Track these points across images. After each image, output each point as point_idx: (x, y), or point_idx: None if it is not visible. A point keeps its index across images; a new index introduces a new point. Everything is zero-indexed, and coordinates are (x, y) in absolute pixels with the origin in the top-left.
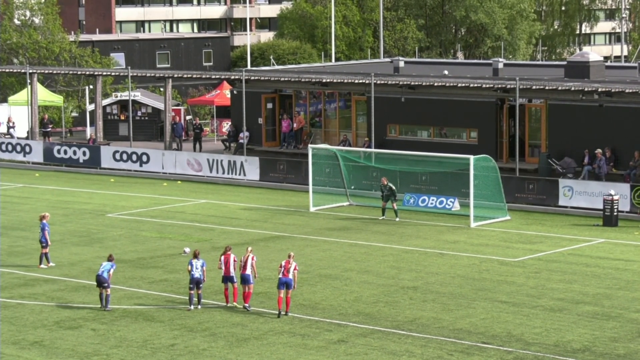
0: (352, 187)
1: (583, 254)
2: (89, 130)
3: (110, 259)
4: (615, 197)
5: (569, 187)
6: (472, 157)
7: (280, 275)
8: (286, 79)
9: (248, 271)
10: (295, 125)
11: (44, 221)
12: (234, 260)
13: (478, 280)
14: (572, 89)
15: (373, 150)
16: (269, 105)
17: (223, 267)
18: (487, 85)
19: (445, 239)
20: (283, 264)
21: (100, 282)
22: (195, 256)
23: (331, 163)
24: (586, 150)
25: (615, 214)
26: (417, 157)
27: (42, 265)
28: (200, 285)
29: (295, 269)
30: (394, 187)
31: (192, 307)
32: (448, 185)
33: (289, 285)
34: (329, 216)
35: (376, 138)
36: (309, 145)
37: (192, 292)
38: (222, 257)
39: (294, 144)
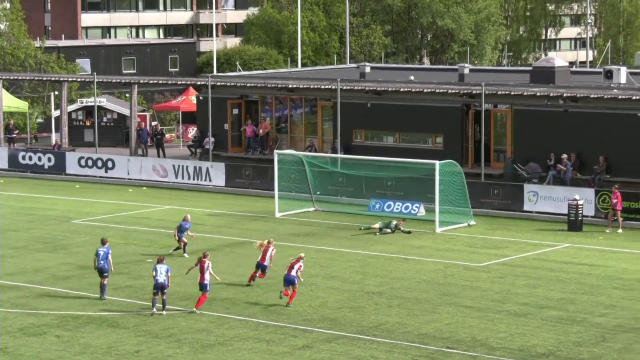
0: (318, 193)
1: (548, 259)
2: (54, 137)
3: (103, 242)
4: (580, 202)
5: (534, 192)
6: (437, 163)
7: (286, 273)
8: (252, 84)
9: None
10: (260, 130)
11: (184, 221)
12: (208, 267)
13: (443, 285)
14: (538, 94)
15: (339, 155)
16: (235, 111)
17: (199, 274)
18: (453, 91)
19: (411, 244)
20: (292, 262)
21: (102, 272)
22: (160, 262)
23: (297, 169)
24: (552, 154)
25: (580, 218)
26: (382, 163)
27: (185, 255)
28: (165, 290)
29: (299, 269)
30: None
31: (154, 310)
32: (413, 190)
33: (292, 282)
34: (294, 222)
35: (342, 144)
36: (275, 151)
37: (155, 297)
38: (198, 265)
39: (259, 150)
